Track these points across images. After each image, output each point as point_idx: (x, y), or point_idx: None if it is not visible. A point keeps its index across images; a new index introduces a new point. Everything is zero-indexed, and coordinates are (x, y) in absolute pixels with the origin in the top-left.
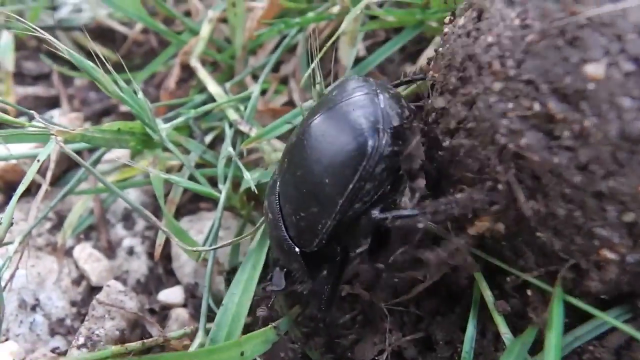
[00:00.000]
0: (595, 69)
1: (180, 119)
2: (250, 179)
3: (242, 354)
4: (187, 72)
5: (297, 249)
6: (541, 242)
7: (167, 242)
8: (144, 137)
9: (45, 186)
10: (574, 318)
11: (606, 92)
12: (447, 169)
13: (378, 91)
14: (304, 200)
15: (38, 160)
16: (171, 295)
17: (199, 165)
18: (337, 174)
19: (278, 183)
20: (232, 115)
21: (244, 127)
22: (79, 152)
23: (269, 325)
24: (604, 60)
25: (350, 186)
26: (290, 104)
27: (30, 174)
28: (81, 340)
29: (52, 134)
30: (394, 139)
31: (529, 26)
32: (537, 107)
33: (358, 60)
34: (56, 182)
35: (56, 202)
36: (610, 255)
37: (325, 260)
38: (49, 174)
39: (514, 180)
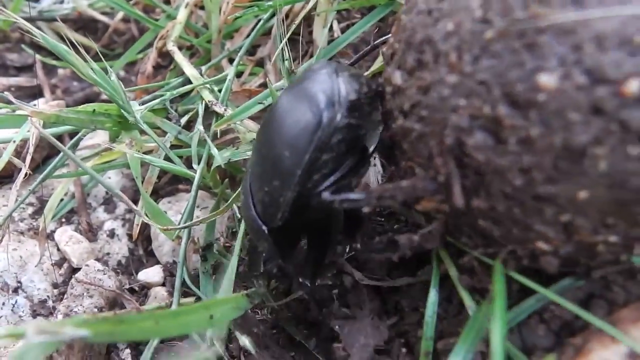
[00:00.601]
0: (548, 79)
1: (155, 101)
2: (219, 156)
3: (211, 317)
4: (167, 59)
5: (264, 227)
6: (481, 228)
7: (147, 223)
8: (120, 119)
9: (25, 170)
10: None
11: (556, 104)
12: (400, 143)
13: (338, 70)
14: (267, 175)
15: (14, 142)
16: (150, 274)
17: (175, 147)
18: (295, 145)
19: (249, 164)
20: (207, 96)
21: (218, 108)
22: (60, 138)
23: (242, 293)
24: (558, 71)
25: (307, 156)
26: (266, 85)
27: (6, 155)
28: (60, 317)
29: (27, 115)
30: (350, 112)
31: (490, 21)
32: (487, 109)
33: (332, 41)
34: (37, 168)
35: (36, 185)
36: (545, 246)
37: (294, 240)
38: (28, 158)
39: (453, 174)
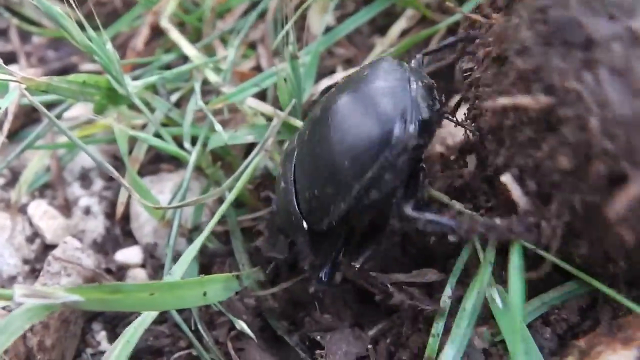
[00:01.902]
0: None
1: (152, 78)
2: (224, 134)
3: (204, 294)
4: (153, 34)
5: (305, 225)
6: None
7: (126, 203)
8: (110, 92)
9: (2, 138)
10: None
11: None
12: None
13: (411, 78)
14: (320, 179)
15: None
16: (129, 254)
17: (163, 126)
18: (357, 159)
19: (296, 152)
20: (213, 77)
21: (226, 89)
22: (34, 111)
23: (231, 273)
24: None
25: (369, 174)
26: (257, 69)
27: None
28: None
29: (17, 81)
30: (421, 132)
31: None
32: None
33: (328, 30)
34: (10, 138)
35: (15, 156)
36: None
37: (329, 239)
38: (6, 126)
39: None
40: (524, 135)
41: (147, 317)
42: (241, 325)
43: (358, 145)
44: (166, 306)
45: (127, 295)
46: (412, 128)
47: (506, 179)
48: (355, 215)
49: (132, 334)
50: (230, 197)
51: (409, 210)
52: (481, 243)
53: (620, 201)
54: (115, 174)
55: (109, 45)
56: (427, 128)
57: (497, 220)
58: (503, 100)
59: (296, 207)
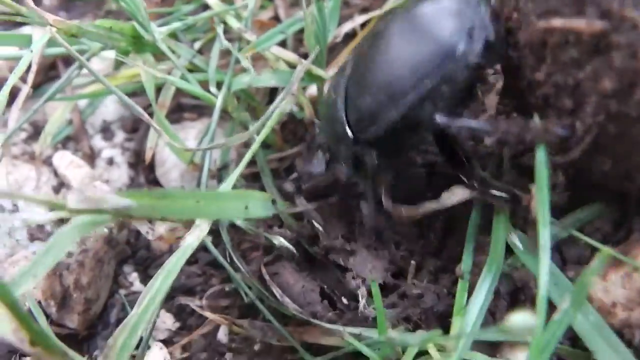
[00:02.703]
0: None
1: (176, 24)
2: (251, 69)
3: (246, 207)
4: None
5: (350, 134)
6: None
7: (150, 150)
8: (135, 39)
9: (27, 89)
10: None
11: None
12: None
13: (480, 1)
14: (375, 86)
15: (31, 51)
16: None
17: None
18: (418, 68)
19: (350, 67)
20: (235, 23)
21: (249, 36)
22: (53, 65)
23: (270, 195)
24: None
25: (427, 84)
26: (276, 19)
27: (20, 69)
28: None
29: (49, 24)
30: (484, 52)
31: None
32: None
33: None
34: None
35: (38, 107)
36: None
37: (371, 155)
38: (31, 76)
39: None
40: (568, 54)
41: (184, 253)
42: (279, 240)
43: (422, 55)
44: (210, 215)
45: (175, 201)
46: (477, 46)
47: None
48: (401, 130)
49: (170, 268)
50: (260, 137)
51: (440, 118)
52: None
53: None
54: (145, 116)
55: None
56: (491, 50)
57: (534, 122)
58: (557, 22)
59: (344, 114)
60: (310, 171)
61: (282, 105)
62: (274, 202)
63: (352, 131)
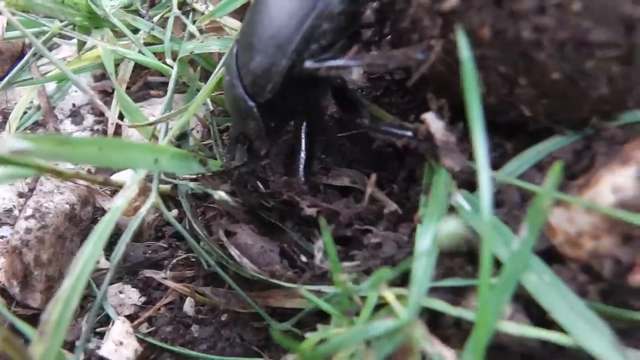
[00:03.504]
0: None
1: None
2: (197, 35)
3: (156, 160)
4: None
5: (252, 103)
6: None
7: (118, 129)
8: (90, 14)
9: None
10: None
11: None
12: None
13: None
14: (260, 44)
15: None
16: (124, 175)
17: (147, 45)
18: (296, 11)
19: (236, 46)
20: None
21: (199, 6)
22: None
23: (192, 154)
24: None
25: (308, 22)
26: None
27: None
28: (29, 211)
29: None
30: None
31: None
32: None
33: None
34: None
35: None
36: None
37: (282, 121)
38: None
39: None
40: None
41: (112, 216)
42: (220, 194)
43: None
44: (113, 163)
45: (75, 147)
46: None
47: None
48: (296, 82)
49: (101, 232)
50: (199, 98)
51: (309, 63)
52: None
53: None
54: (90, 92)
55: None
56: None
57: (394, 51)
58: None
59: (240, 86)
60: (235, 166)
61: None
62: (204, 162)
63: (252, 100)
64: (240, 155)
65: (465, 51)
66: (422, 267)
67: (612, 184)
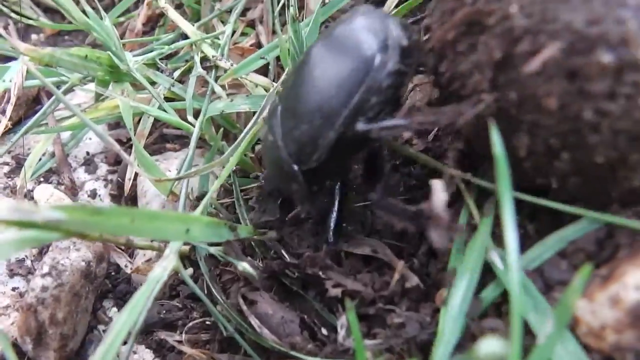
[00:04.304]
0: None
1: (152, 53)
2: (223, 94)
3: (187, 230)
4: (149, 25)
5: (296, 167)
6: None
7: (132, 182)
8: (111, 68)
9: (5, 121)
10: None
11: None
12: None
13: (387, 16)
14: (307, 113)
15: (3, 81)
16: None
17: (167, 100)
18: (344, 85)
19: (280, 107)
20: (210, 51)
21: (223, 63)
22: (37, 99)
23: (223, 221)
24: None
25: (356, 97)
26: (258, 46)
27: None
28: (45, 269)
29: (21, 53)
30: (402, 58)
31: None
32: None
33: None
34: (11, 129)
35: (17, 138)
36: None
37: (323, 184)
38: (9, 108)
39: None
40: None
41: (156, 283)
42: (243, 266)
43: (344, 73)
44: (145, 234)
45: (108, 218)
46: (393, 52)
47: None
48: (343, 147)
49: (135, 304)
50: (230, 162)
51: (359, 125)
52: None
53: None
54: (117, 146)
55: (107, 22)
56: (407, 54)
57: (446, 108)
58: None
59: (285, 151)
60: (266, 220)
61: (254, 129)
62: (233, 228)
63: (296, 164)
64: (273, 210)
65: (498, 148)
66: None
67: (637, 281)
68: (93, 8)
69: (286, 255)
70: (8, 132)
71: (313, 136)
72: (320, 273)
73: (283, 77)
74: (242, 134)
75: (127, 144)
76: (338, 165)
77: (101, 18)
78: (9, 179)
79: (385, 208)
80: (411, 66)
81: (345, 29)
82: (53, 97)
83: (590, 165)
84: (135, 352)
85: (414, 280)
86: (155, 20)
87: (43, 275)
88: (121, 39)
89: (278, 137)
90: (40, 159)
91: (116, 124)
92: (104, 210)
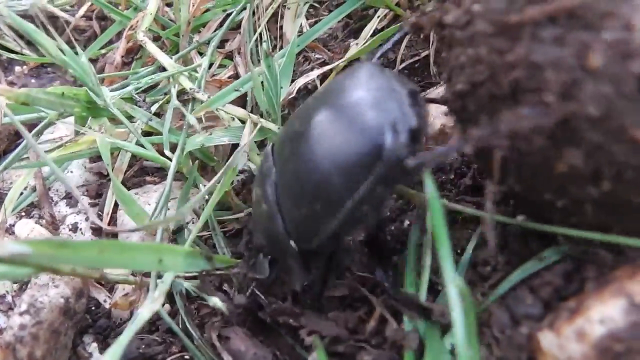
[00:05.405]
0: None
1: (128, 88)
2: (199, 130)
3: (160, 260)
4: (129, 56)
5: (293, 244)
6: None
7: (114, 215)
8: (89, 104)
9: None
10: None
11: None
12: None
13: (396, 85)
14: (308, 198)
15: None
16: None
17: (145, 134)
18: (348, 175)
19: (275, 172)
20: (187, 83)
21: (200, 95)
22: (17, 135)
23: (199, 250)
24: None
25: (362, 190)
26: (236, 77)
27: None
28: (23, 307)
29: None
30: (412, 141)
31: None
32: None
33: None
34: None
35: None
36: None
37: (319, 257)
38: None
39: None
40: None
41: (137, 322)
42: (214, 301)
43: (349, 162)
44: (115, 265)
45: (76, 252)
46: (403, 138)
47: None
48: (344, 231)
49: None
50: (212, 199)
51: (409, 162)
52: None
53: None
54: (79, 196)
55: (84, 58)
56: (417, 135)
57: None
58: None
59: (284, 229)
60: (254, 276)
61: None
62: (209, 258)
63: (295, 243)
64: (262, 268)
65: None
66: None
67: (602, 315)
68: (75, 40)
69: (260, 295)
70: None
71: (313, 221)
72: (291, 321)
73: (280, 131)
74: (222, 169)
75: (107, 177)
76: (340, 241)
77: (77, 54)
78: None
79: (400, 301)
80: (420, 144)
81: (347, 103)
82: (34, 131)
83: (624, 202)
84: None
85: (392, 325)
86: (137, 52)
87: (21, 314)
88: (102, 71)
89: (274, 209)
90: (21, 193)
91: (98, 157)
92: (70, 243)
